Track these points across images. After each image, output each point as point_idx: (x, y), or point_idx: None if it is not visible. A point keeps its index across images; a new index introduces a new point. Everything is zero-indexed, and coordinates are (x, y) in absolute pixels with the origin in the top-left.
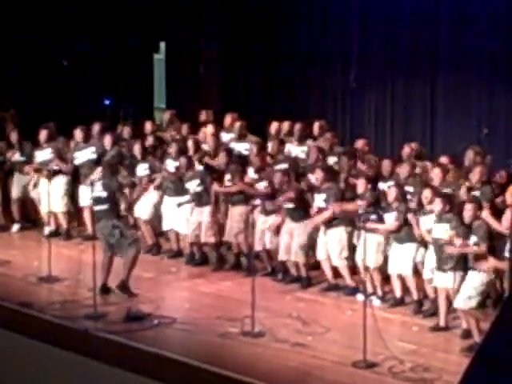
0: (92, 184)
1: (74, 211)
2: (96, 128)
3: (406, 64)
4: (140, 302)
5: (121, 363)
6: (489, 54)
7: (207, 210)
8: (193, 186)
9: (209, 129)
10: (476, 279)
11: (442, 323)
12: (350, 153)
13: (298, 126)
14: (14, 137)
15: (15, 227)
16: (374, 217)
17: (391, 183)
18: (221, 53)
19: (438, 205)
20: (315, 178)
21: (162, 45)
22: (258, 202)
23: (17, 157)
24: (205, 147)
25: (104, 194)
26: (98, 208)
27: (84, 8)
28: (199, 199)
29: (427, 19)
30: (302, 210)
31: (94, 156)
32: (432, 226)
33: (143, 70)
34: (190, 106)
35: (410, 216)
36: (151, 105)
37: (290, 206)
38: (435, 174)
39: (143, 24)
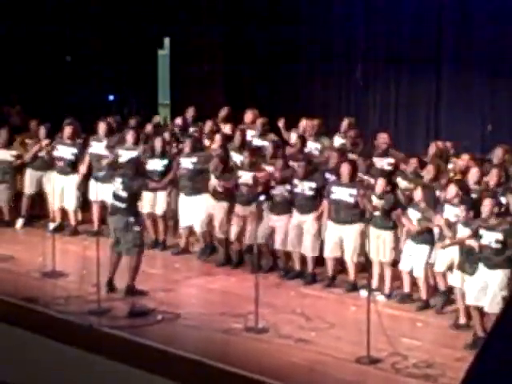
0: (98, 178)
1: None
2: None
3: (410, 61)
4: (144, 297)
5: (125, 358)
6: (492, 51)
7: (223, 205)
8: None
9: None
10: (503, 277)
11: (462, 321)
12: (365, 153)
13: (315, 122)
14: (42, 132)
15: (19, 222)
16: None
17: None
18: (225, 48)
19: (462, 211)
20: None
21: (166, 40)
22: (263, 197)
23: (43, 153)
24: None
25: (124, 194)
26: (115, 203)
27: (88, 4)
28: (218, 193)
29: (431, 16)
30: (315, 202)
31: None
32: (458, 227)
33: (147, 65)
34: (194, 101)
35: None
36: (155, 101)
37: (310, 193)
38: (473, 173)
39: (147, 20)
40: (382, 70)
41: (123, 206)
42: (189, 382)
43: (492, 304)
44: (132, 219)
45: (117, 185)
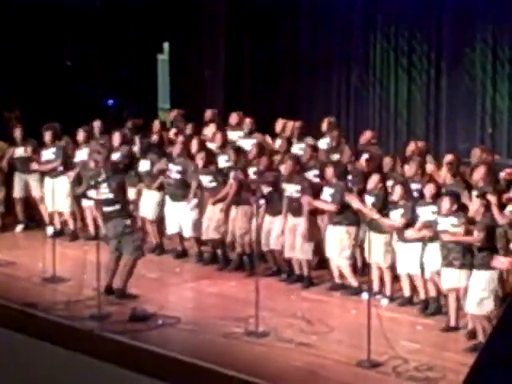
0: (95, 186)
1: (77, 211)
2: (97, 126)
3: (410, 62)
4: (144, 302)
5: (125, 363)
6: (492, 52)
7: (219, 207)
8: (206, 181)
9: (210, 128)
10: (484, 279)
11: (452, 323)
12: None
13: (297, 124)
14: (17, 133)
15: (19, 227)
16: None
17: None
18: (225, 52)
19: (446, 203)
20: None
21: (166, 45)
22: (262, 201)
23: (19, 152)
24: (209, 145)
25: (111, 196)
26: (108, 209)
27: (87, 8)
28: (212, 196)
29: (430, 17)
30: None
31: None
32: (437, 220)
33: (147, 70)
34: (194, 106)
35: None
36: (155, 105)
37: (297, 195)
38: (441, 174)
39: (147, 24)
40: (382, 71)
41: (116, 207)
42: None
43: (470, 304)
44: (129, 221)
45: (102, 189)
